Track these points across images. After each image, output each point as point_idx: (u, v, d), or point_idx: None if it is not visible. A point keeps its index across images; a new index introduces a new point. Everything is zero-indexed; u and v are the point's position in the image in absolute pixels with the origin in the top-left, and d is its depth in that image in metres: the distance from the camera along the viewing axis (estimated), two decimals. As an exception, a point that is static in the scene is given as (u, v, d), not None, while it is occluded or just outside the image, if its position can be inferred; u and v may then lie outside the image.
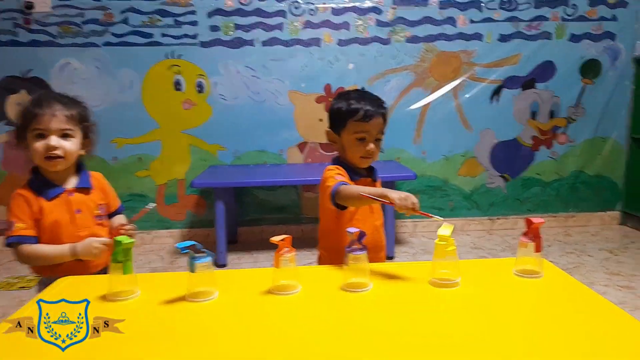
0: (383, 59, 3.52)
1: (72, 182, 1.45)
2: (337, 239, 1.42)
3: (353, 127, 1.46)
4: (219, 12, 3.38)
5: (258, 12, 3.40)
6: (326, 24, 3.46)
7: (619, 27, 3.59)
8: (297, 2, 3.42)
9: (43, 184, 1.41)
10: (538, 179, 3.76)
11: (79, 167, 1.49)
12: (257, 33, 3.42)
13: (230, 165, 3.53)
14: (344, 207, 1.45)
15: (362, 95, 1.50)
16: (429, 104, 3.60)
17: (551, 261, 1.35)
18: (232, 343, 0.93)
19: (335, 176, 1.42)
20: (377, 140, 1.48)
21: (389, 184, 2.88)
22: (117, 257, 1.12)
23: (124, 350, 0.91)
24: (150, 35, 3.36)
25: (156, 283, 1.26)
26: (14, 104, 3.32)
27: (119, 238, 1.12)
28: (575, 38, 3.58)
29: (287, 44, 3.45)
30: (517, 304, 1.09)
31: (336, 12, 3.46)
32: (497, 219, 3.76)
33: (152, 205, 1.37)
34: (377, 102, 1.49)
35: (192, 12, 3.37)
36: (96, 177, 1.52)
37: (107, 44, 3.35)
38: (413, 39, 3.51)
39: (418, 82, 3.57)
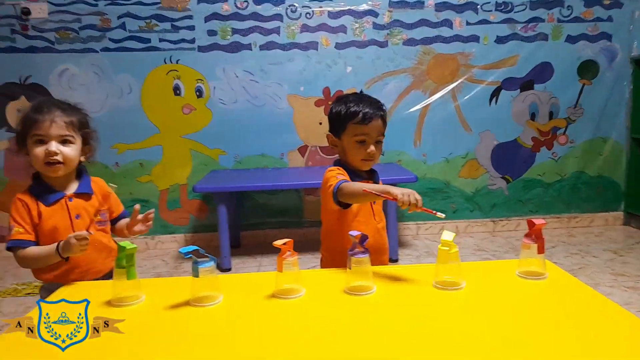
0: (381, 62, 3.52)
1: (72, 188, 1.45)
2: (339, 240, 1.42)
3: (353, 130, 1.46)
4: (216, 16, 3.38)
5: (255, 16, 3.41)
6: (323, 27, 3.46)
7: (614, 27, 3.60)
8: (293, 5, 3.43)
9: (43, 189, 1.42)
10: (539, 180, 3.76)
11: (80, 173, 1.49)
12: (254, 37, 3.42)
13: (231, 169, 3.53)
14: (346, 206, 1.45)
15: (361, 98, 1.51)
16: (427, 106, 3.60)
17: (556, 262, 1.35)
18: (237, 347, 0.93)
19: (337, 176, 1.43)
20: (378, 143, 1.48)
21: (389, 187, 2.87)
22: (121, 263, 1.11)
23: (124, 351, 0.91)
24: (147, 40, 3.36)
25: (160, 288, 1.26)
26: (14, 110, 3.32)
27: (122, 243, 1.12)
28: (571, 39, 3.59)
29: (284, 47, 3.45)
30: (521, 306, 1.09)
31: (333, 15, 3.46)
32: (500, 220, 3.76)
33: (113, 186, 1.41)
34: (376, 104, 1.50)
35: (189, 17, 3.37)
36: (97, 183, 1.52)
37: (105, 49, 3.35)
38: (410, 42, 3.52)
39: (416, 85, 3.57)
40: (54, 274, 1.40)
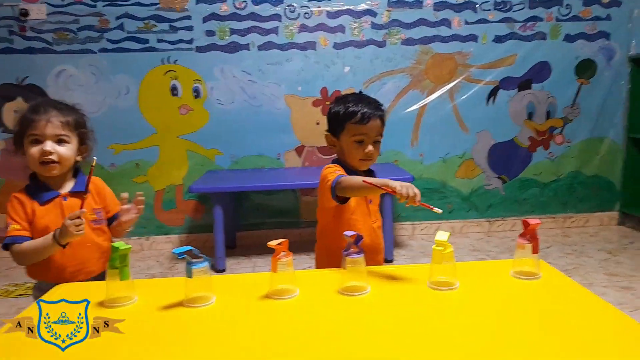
0: (379, 62, 3.52)
1: (67, 187, 1.46)
2: (335, 238, 1.42)
3: (351, 130, 1.47)
4: (214, 16, 3.38)
5: (253, 16, 3.41)
6: (321, 27, 3.46)
7: (613, 26, 3.60)
8: (292, 5, 3.43)
9: (39, 188, 1.43)
10: (536, 180, 3.76)
11: (77, 173, 1.50)
12: (252, 37, 3.42)
13: (228, 170, 3.53)
14: (343, 201, 1.45)
15: (359, 98, 1.51)
16: (425, 106, 3.60)
17: (550, 262, 1.35)
18: (229, 348, 0.93)
19: (335, 171, 1.44)
20: (376, 143, 1.49)
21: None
22: (114, 263, 1.11)
23: (123, 351, 0.91)
24: (145, 41, 3.36)
25: (153, 289, 1.26)
26: (10, 111, 3.31)
27: (115, 244, 1.12)
28: (569, 38, 3.60)
29: (282, 47, 3.45)
30: (515, 306, 1.09)
31: (331, 15, 3.46)
32: (496, 220, 3.76)
33: (94, 158, 1.41)
34: (375, 104, 1.50)
35: (188, 17, 3.37)
36: (94, 182, 1.51)
37: (103, 50, 3.35)
38: (408, 41, 3.52)
39: (414, 84, 3.57)
40: (45, 273, 1.41)
